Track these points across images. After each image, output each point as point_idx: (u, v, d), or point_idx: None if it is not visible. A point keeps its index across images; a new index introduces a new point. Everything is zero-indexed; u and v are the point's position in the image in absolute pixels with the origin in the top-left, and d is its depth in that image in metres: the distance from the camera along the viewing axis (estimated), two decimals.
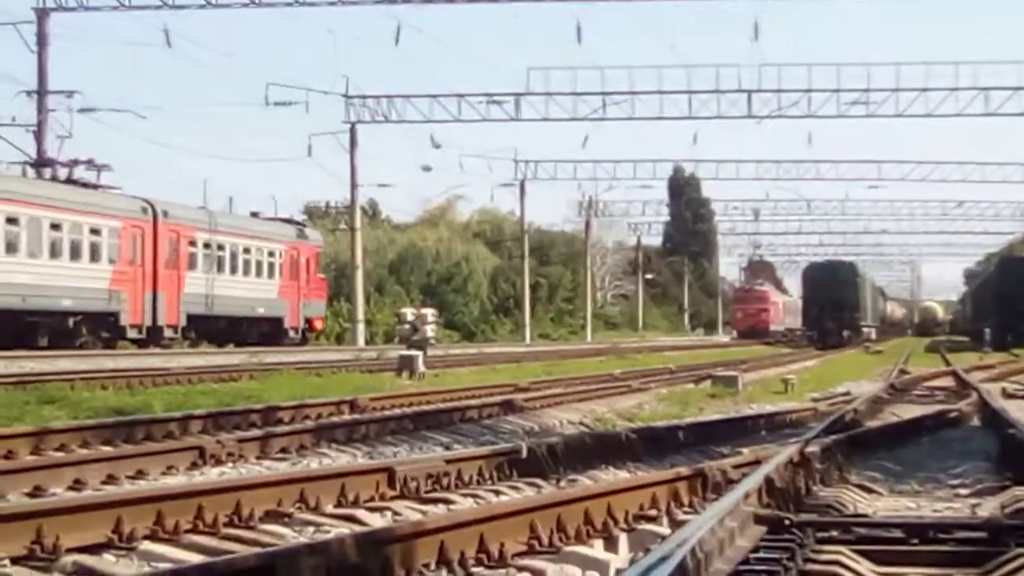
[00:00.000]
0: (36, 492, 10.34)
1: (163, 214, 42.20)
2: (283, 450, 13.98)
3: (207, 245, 44.90)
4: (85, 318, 38.56)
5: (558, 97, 58.57)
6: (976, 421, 19.85)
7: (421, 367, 30.24)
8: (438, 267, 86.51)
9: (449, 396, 22.52)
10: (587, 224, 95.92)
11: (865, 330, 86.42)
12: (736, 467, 11.32)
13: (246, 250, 47.70)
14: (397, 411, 19.03)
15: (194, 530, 8.68)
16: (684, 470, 10.96)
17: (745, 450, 13.92)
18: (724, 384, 27.76)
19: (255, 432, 14.99)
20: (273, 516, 9.35)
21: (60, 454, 13.02)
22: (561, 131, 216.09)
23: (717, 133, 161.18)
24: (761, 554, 6.99)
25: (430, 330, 33.83)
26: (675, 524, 9.18)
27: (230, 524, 8.93)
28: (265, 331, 48.97)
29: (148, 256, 41.15)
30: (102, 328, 39.40)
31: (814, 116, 58.26)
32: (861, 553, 7.27)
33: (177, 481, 11.45)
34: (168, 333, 42.31)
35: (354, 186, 61.65)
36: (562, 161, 79.00)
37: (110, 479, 11.31)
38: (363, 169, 62.42)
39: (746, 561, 6.77)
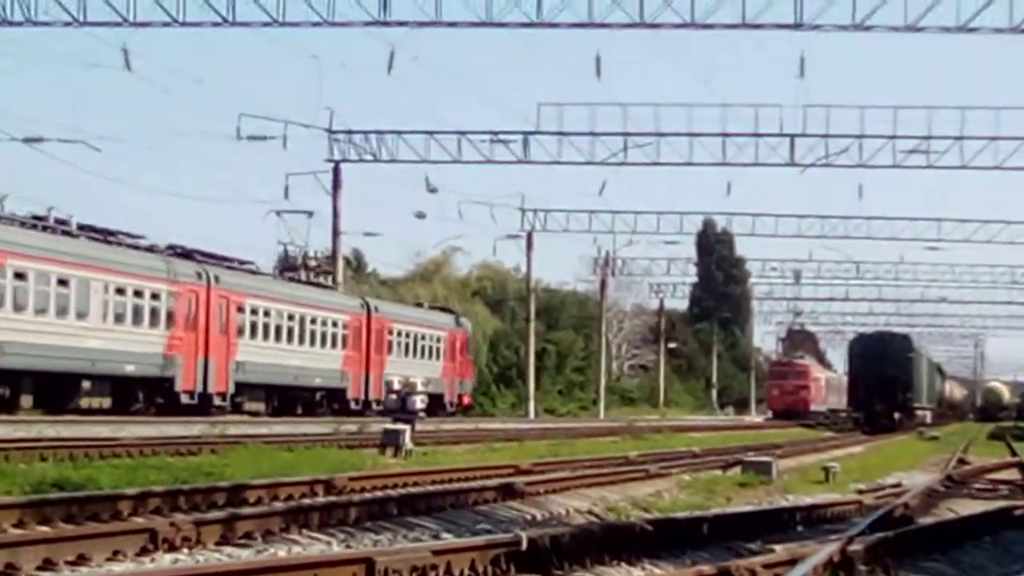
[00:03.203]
0: None
1: (375, 309, 60.23)
2: (247, 535, 13.97)
3: (399, 333, 62.29)
4: (327, 393, 56.31)
5: (572, 137, 58.89)
6: None
7: (408, 443, 30.20)
8: None
9: (439, 477, 22.55)
10: (602, 284, 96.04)
11: (919, 413, 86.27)
12: (767, 567, 11.33)
13: (422, 336, 64.63)
14: (379, 493, 19.06)
15: None
16: (707, 568, 10.98)
17: (778, 547, 13.92)
18: (756, 471, 27.73)
19: (215, 514, 14.98)
20: None
21: None
22: (575, 176, 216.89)
23: (754, 182, 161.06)
24: None
25: (419, 401, 33.79)
26: None
27: None
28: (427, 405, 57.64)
29: (363, 343, 58.33)
30: (334, 401, 56.37)
31: (866, 166, 58.44)
32: None
33: (124, 568, 11.44)
34: (374, 407, 56.31)
35: (336, 233, 61.91)
36: (575, 211, 78.96)
37: (47, 564, 11.30)
38: (347, 215, 62.86)
39: None
